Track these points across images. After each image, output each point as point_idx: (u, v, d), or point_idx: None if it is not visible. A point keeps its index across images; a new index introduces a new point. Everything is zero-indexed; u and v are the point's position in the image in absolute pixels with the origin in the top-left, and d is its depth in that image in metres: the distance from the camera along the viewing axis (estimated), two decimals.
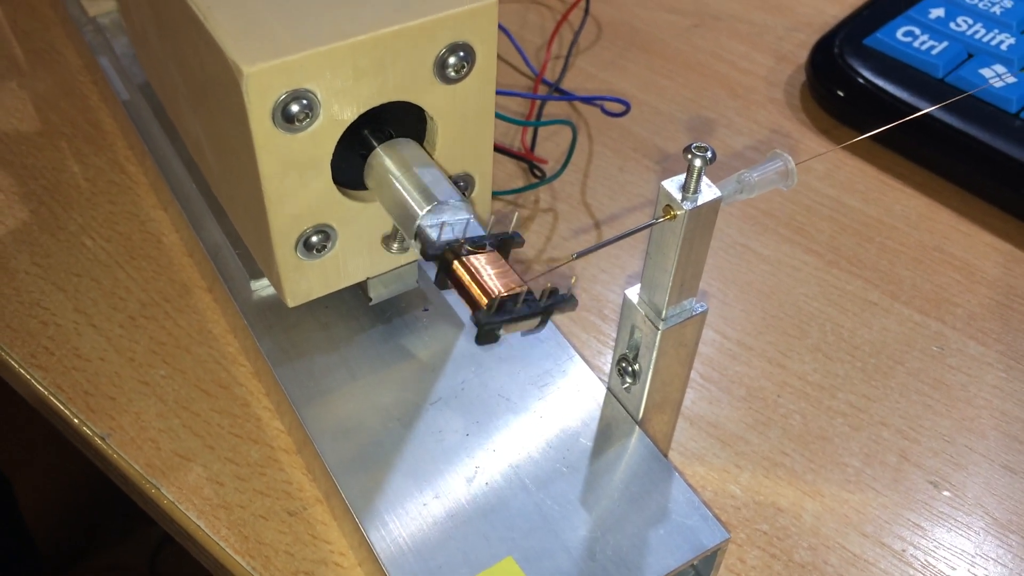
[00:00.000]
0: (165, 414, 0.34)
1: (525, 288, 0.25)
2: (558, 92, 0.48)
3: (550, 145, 0.45)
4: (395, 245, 0.31)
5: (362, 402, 0.32)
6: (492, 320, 0.24)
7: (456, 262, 0.25)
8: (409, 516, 0.29)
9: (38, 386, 0.35)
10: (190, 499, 0.32)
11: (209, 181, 0.36)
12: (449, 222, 0.27)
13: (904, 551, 0.32)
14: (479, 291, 0.25)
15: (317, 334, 0.34)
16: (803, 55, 0.50)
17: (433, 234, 0.27)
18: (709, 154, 0.25)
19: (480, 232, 0.27)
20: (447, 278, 0.26)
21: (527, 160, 0.44)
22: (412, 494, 0.29)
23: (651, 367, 0.29)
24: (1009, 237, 0.42)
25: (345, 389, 0.32)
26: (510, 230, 0.27)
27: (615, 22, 0.53)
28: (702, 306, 0.29)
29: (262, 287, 0.35)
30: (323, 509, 0.32)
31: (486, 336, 0.24)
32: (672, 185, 0.26)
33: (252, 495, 0.32)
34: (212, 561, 0.31)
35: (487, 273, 0.25)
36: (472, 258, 0.25)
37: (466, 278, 0.25)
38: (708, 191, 0.26)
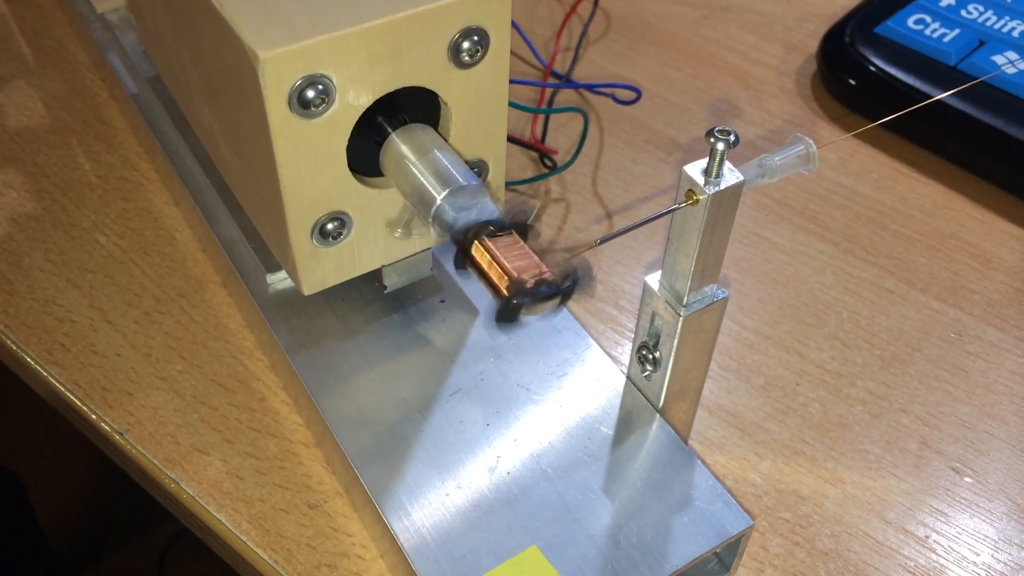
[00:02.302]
0: (183, 409, 0.34)
1: (546, 271, 0.25)
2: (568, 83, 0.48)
3: (561, 137, 0.45)
4: (399, 231, 0.31)
5: (381, 393, 0.32)
6: (518, 300, 0.24)
7: (477, 243, 0.25)
8: (432, 506, 0.29)
9: (55, 382, 0.35)
10: (210, 493, 0.32)
11: (223, 174, 0.36)
12: (467, 205, 0.27)
13: (927, 537, 0.32)
14: (501, 272, 0.24)
15: (334, 326, 0.34)
16: (813, 45, 0.50)
17: (453, 216, 0.27)
18: (732, 137, 0.25)
19: (497, 216, 0.27)
20: (467, 260, 0.25)
21: (537, 150, 0.44)
22: (434, 484, 0.29)
23: (672, 354, 0.29)
24: None
25: (363, 380, 0.32)
26: (528, 221, 0.27)
27: (624, 14, 0.53)
28: (723, 292, 0.29)
29: (278, 280, 0.35)
30: (343, 501, 0.32)
31: (508, 315, 0.24)
32: (694, 169, 0.26)
33: (272, 489, 0.32)
34: (233, 555, 0.31)
35: (509, 255, 0.25)
36: (493, 240, 0.25)
37: (487, 259, 0.25)
38: (730, 175, 0.26)
